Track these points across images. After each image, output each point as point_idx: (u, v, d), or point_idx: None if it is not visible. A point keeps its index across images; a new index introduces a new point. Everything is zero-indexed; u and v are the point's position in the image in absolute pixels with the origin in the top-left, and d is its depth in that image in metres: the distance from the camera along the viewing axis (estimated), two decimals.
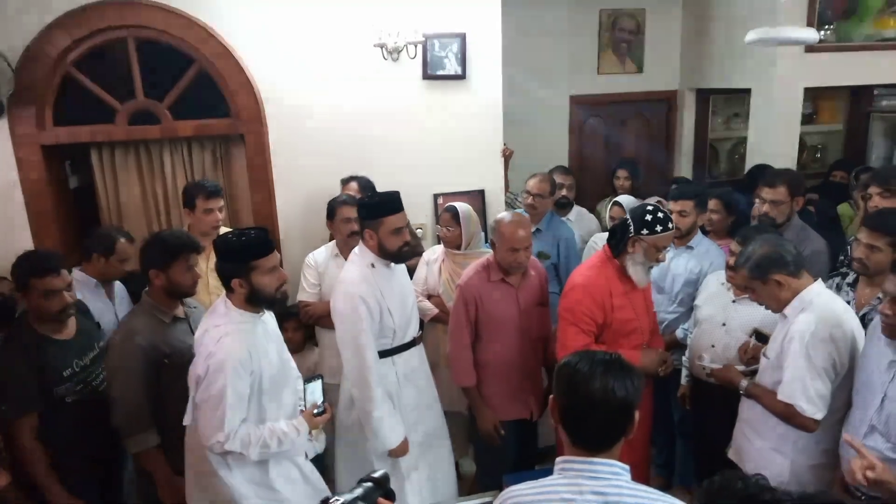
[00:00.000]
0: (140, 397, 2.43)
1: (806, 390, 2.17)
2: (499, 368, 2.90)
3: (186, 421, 2.32)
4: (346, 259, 3.26)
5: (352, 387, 2.70)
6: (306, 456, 2.50)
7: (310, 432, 2.36)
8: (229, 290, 2.27)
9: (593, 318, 2.59)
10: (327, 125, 3.81)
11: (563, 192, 4.18)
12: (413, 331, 2.87)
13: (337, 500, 1.22)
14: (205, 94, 3.69)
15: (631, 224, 2.58)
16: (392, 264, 2.74)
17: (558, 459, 1.49)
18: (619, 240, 2.63)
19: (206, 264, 3.14)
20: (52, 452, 2.45)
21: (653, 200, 3.34)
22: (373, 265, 2.68)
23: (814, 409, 2.18)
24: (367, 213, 2.66)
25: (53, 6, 3.35)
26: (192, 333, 2.58)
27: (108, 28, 3.43)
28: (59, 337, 2.51)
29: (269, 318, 2.42)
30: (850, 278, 2.64)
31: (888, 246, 2.34)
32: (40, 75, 3.39)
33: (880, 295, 2.43)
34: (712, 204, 3.38)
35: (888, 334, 2.02)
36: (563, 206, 4.22)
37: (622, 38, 5.44)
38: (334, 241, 3.37)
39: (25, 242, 3.44)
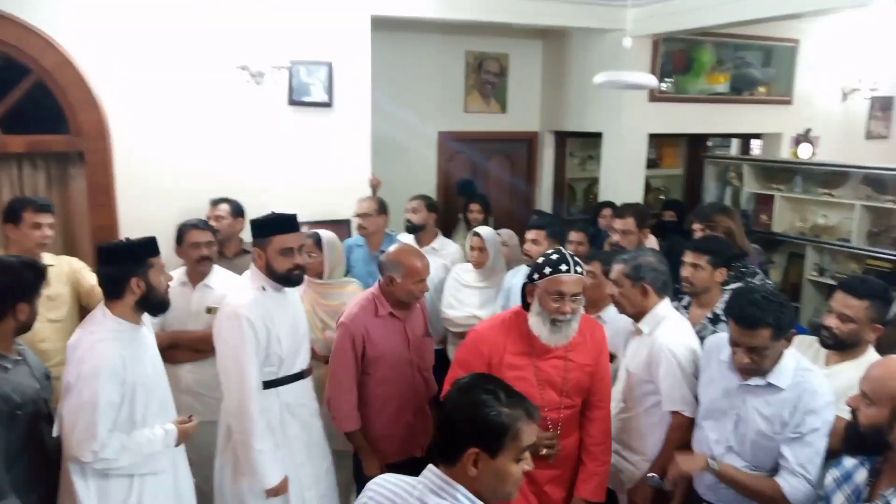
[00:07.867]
0: None
1: (684, 395, 2.36)
2: (390, 406, 2.76)
3: (55, 433, 2.20)
4: (194, 287, 3.09)
5: (231, 417, 2.48)
6: None
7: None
8: (112, 298, 2.20)
9: (471, 371, 2.31)
10: (183, 147, 3.59)
11: (409, 214, 3.90)
12: (302, 362, 2.66)
13: None
14: (52, 111, 3.36)
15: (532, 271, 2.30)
16: (284, 289, 2.59)
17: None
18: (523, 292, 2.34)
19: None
20: None
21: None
22: (264, 288, 2.51)
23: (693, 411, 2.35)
24: (257, 231, 2.54)
25: None
26: (34, 376, 2.25)
27: None
28: None
29: (146, 329, 2.36)
30: (684, 301, 2.89)
31: (708, 264, 2.70)
32: None
33: (709, 314, 2.67)
34: (578, 236, 3.63)
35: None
36: (412, 231, 3.93)
37: (487, 80, 5.67)
38: (184, 267, 3.14)
39: None
